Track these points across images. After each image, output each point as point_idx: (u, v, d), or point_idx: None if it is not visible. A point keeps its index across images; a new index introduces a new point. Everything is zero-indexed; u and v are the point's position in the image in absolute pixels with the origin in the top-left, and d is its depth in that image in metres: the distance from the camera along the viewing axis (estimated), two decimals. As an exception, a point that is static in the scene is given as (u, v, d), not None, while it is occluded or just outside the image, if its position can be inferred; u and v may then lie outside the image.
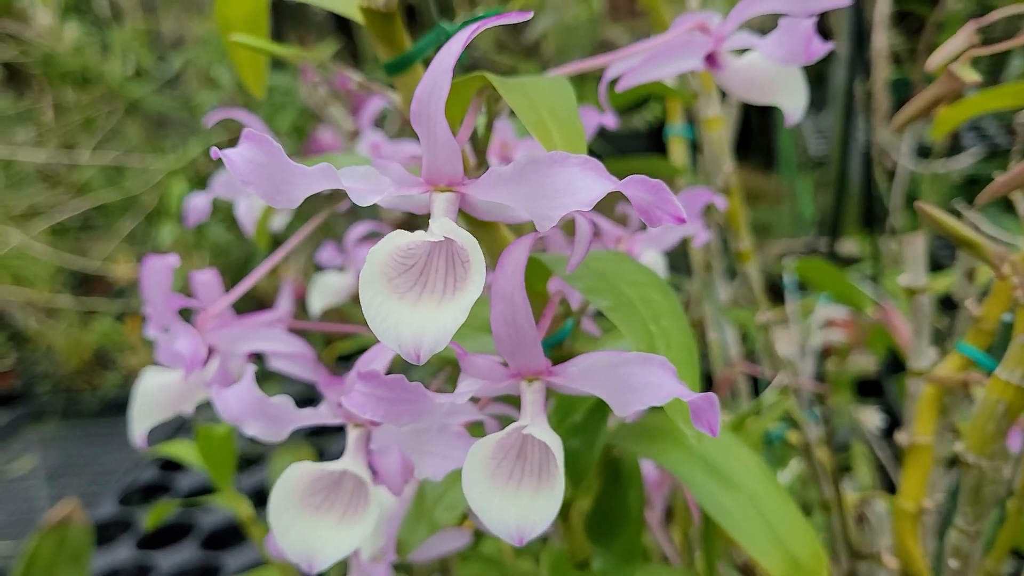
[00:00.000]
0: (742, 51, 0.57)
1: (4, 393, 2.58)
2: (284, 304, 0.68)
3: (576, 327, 0.63)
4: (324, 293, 0.93)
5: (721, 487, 0.58)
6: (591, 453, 0.61)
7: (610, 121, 0.73)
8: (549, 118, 0.43)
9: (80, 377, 2.36)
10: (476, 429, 0.54)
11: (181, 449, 0.93)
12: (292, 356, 0.60)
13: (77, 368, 2.34)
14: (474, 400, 0.50)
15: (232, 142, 0.81)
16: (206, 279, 0.62)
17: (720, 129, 0.77)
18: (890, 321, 0.93)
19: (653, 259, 0.69)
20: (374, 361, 0.45)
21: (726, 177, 0.75)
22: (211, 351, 0.59)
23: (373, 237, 0.90)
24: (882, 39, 1.68)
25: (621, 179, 0.36)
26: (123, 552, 1.82)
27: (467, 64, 0.54)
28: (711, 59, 0.56)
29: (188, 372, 0.52)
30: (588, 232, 0.42)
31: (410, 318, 0.35)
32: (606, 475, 0.68)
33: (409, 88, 0.54)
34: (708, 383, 1.17)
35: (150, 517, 0.95)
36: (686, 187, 0.74)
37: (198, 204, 0.76)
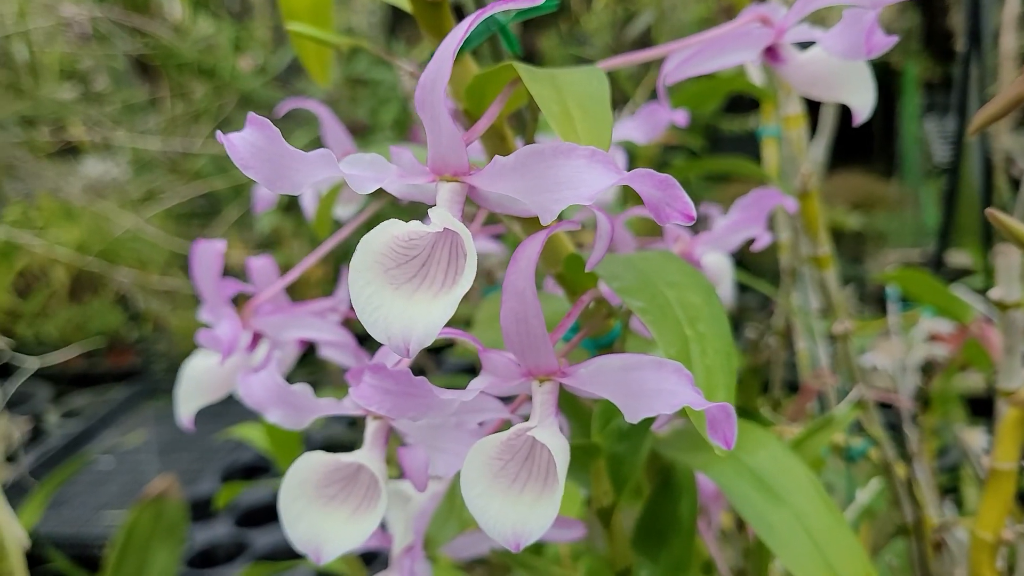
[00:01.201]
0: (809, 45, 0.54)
1: (124, 370, 2.71)
2: (343, 292, 0.68)
3: (625, 328, 0.61)
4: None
5: (768, 502, 0.55)
6: (636, 459, 0.59)
7: (681, 118, 0.71)
8: (576, 109, 0.41)
9: (193, 358, 2.45)
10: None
11: (252, 432, 0.95)
12: (337, 345, 0.60)
13: (191, 348, 2.43)
14: (507, 399, 0.49)
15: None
16: (261, 265, 0.63)
17: (799, 128, 0.74)
18: (985, 337, 0.87)
19: (717, 261, 0.67)
20: (392, 354, 0.45)
21: (803, 178, 0.72)
22: (259, 337, 0.60)
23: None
24: (1010, 41, 1.58)
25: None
26: (222, 528, 1.88)
27: (521, 57, 0.53)
28: (772, 52, 0.53)
29: (225, 356, 0.53)
30: (608, 228, 0.40)
31: (401, 310, 0.34)
32: (657, 482, 0.66)
33: (458, 78, 0.54)
34: (793, 393, 1.12)
35: (220, 497, 0.98)
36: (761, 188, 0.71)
37: (265, 193, 0.77)
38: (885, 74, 2.84)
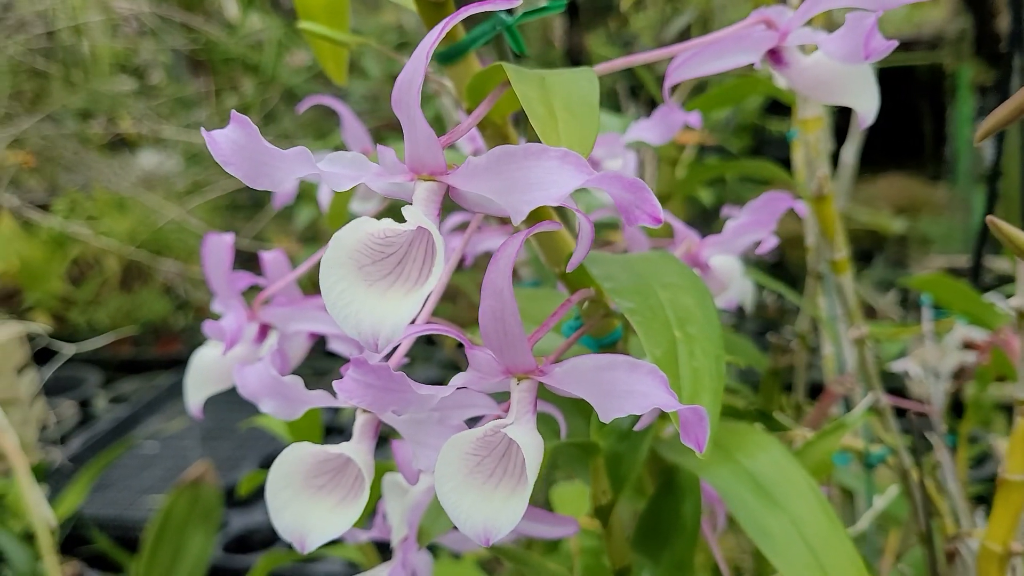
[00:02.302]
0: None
1: (170, 357, 2.76)
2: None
3: (627, 328, 0.61)
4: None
5: (765, 507, 0.55)
6: (635, 458, 0.59)
7: (694, 120, 0.71)
8: (561, 111, 0.42)
9: (236, 347, 2.49)
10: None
11: (273, 421, 0.97)
12: (344, 338, 0.61)
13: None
14: (501, 397, 0.49)
15: (377, 130, 0.84)
16: (273, 258, 0.64)
17: (817, 131, 0.73)
18: (1007, 345, 0.85)
19: (726, 263, 0.66)
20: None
21: (820, 181, 0.71)
22: (267, 329, 0.61)
23: (462, 228, 0.90)
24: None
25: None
26: (259, 515, 1.91)
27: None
28: (775, 55, 0.53)
29: (227, 348, 0.54)
30: (589, 229, 0.40)
31: (373, 307, 0.35)
32: (660, 482, 0.66)
33: (462, 78, 0.54)
34: (815, 396, 1.11)
35: (243, 484, 1.00)
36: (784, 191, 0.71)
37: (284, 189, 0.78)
38: (935, 77, 2.78)
